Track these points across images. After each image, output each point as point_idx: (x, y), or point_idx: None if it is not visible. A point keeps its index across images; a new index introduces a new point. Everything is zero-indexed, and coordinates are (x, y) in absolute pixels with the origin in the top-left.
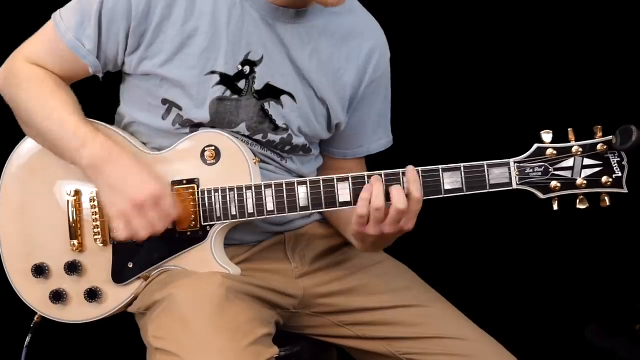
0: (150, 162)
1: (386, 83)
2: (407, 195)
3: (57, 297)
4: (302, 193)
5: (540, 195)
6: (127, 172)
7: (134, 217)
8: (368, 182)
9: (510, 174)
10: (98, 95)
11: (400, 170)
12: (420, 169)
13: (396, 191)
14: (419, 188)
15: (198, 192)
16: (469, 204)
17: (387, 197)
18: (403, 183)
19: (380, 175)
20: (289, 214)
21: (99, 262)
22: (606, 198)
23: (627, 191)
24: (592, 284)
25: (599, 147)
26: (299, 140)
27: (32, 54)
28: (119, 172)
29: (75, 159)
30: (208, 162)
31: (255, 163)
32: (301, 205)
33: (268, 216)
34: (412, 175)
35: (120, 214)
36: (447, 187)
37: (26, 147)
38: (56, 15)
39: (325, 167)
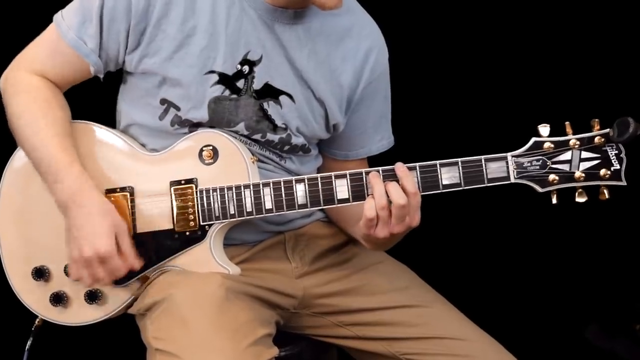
0: (147, 162)
1: (385, 83)
2: (404, 192)
3: (58, 299)
4: (300, 191)
5: (539, 189)
6: (85, 221)
7: (80, 267)
8: (366, 179)
9: (507, 167)
10: (97, 95)
11: (389, 167)
12: (417, 164)
13: (393, 188)
14: (413, 182)
15: (196, 192)
16: (467, 203)
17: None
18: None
19: (378, 171)
20: (288, 213)
21: None
22: (605, 191)
23: (625, 183)
24: (592, 283)
25: (596, 139)
26: (297, 140)
27: (34, 58)
28: (78, 219)
29: (49, 189)
30: (206, 161)
31: (252, 162)
32: (299, 203)
33: (266, 214)
34: (401, 171)
35: (72, 259)
36: (444, 182)
37: None
38: (57, 16)
39: (326, 168)
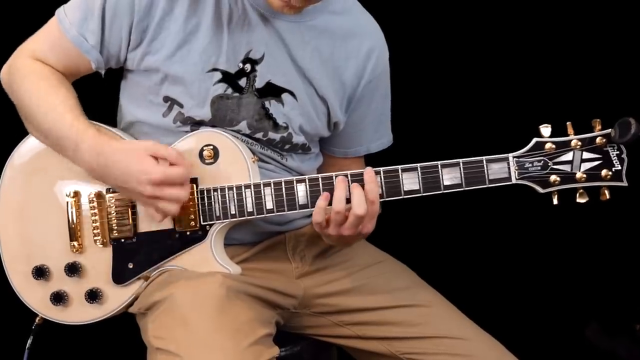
0: None
1: (385, 82)
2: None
3: (58, 298)
4: (301, 191)
5: (540, 190)
6: (122, 172)
7: (151, 205)
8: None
9: (509, 168)
10: (98, 95)
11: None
12: (419, 165)
13: (357, 196)
14: (376, 190)
15: (197, 192)
16: (468, 203)
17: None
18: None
19: (379, 171)
20: (289, 213)
21: (99, 263)
22: (606, 191)
23: (626, 184)
24: (593, 283)
25: (597, 140)
26: (298, 138)
27: (35, 50)
28: (117, 175)
29: (74, 162)
30: (206, 161)
31: (253, 162)
32: (300, 204)
33: (267, 215)
34: (368, 176)
35: (142, 205)
36: (446, 182)
37: (25, 148)
38: (60, 12)
39: (325, 165)
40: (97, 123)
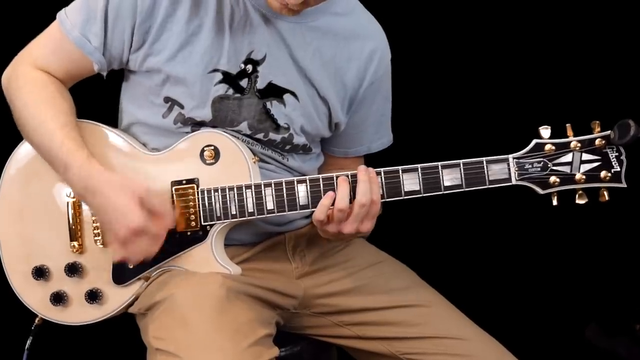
0: (148, 162)
1: (387, 83)
2: None
3: (58, 299)
4: (302, 191)
5: (540, 191)
6: (105, 204)
7: (121, 248)
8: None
9: (509, 169)
10: (99, 95)
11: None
12: (419, 165)
13: (363, 185)
14: (377, 190)
15: (198, 192)
16: (468, 203)
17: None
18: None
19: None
20: (289, 213)
21: (99, 264)
22: (605, 193)
23: (625, 185)
24: (592, 283)
25: (597, 142)
26: (299, 139)
27: (37, 54)
28: (99, 205)
29: (64, 180)
30: (207, 161)
31: (254, 162)
32: (301, 204)
33: (268, 215)
34: (370, 176)
35: (111, 244)
36: (446, 183)
37: (25, 149)
38: (61, 14)
39: (325, 164)
40: (96, 123)
